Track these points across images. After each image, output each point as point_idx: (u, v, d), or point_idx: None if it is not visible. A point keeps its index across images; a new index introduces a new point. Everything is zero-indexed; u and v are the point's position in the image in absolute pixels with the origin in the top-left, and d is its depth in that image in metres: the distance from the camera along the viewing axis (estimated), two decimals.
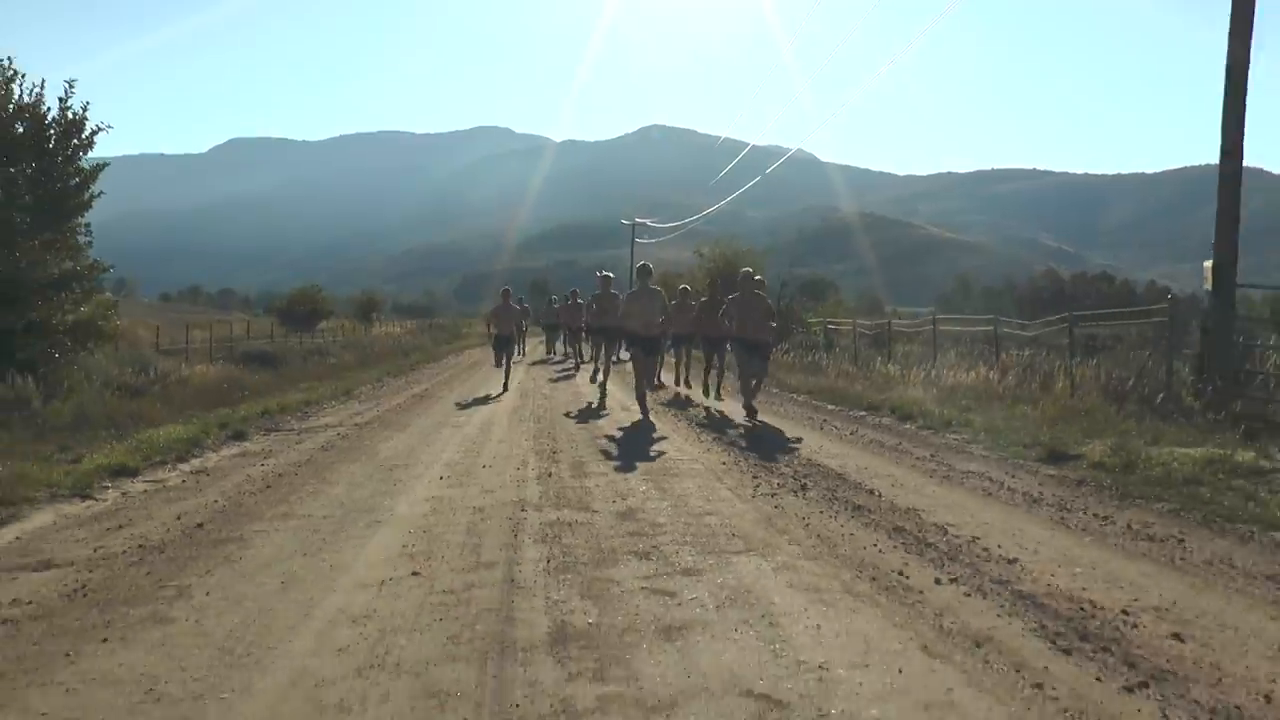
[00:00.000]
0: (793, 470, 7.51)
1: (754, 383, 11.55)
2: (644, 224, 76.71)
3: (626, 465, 7.77)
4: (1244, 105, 10.64)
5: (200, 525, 5.49)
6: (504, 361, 15.80)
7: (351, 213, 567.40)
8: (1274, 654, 3.36)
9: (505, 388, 15.09)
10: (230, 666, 3.21)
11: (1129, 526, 5.49)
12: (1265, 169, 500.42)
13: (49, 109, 12.27)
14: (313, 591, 4.11)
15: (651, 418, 11.19)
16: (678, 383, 15.15)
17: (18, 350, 11.80)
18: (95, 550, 4.90)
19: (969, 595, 4.06)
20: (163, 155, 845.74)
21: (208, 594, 4.09)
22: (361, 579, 4.31)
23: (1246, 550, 4.96)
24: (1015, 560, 4.67)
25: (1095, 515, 5.80)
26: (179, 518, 5.69)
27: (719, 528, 5.39)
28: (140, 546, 4.97)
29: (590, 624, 3.63)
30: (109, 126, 12.74)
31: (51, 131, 12.32)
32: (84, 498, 6.36)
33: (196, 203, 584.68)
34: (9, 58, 11.98)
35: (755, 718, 2.77)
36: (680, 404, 13.17)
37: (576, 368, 20.67)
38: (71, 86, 12.45)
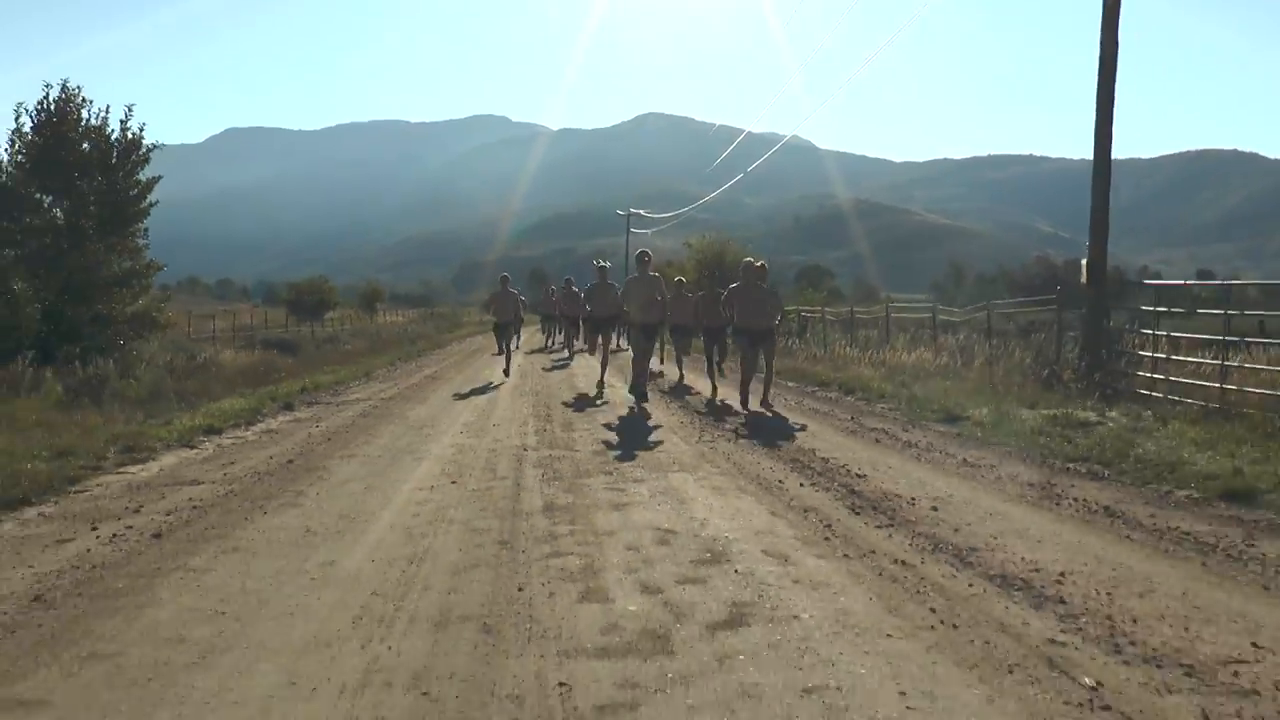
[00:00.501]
0: (734, 428, 9.61)
1: (756, 375, 11.55)
2: (639, 214, 78.15)
3: (606, 425, 9.87)
4: (1113, 97, 12.37)
5: (290, 461, 7.59)
6: (504, 347, 16.17)
7: (347, 202, 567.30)
8: (994, 518, 5.45)
9: (506, 373, 15.58)
10: (351, 521, 5.33)
11: (965, 460, 7.58)
12: (1261, 154, 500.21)
13: (112, 130, 14.30)
14: (388, 492, 6.22)
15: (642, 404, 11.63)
16: (679, 372, 15.34)
17: (86, 338, 13.87)
18: (224, 475, 6.99)
19: (818, 491, 6.19)
20: (158, 145, 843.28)
21: (317, 494, 6.20)
22: (417, 485, 6.43)
23: (1032, 470, 7.05)
24: (864, 476, 6.79)
25: (946, 453, 7.90)
26: (271, 458, 7.79)
27: (665, 459, 7.52)
28: (255, 472, 7.07)
29: (568, 503, 5.76)
30: (161, 145, 14.75)
31: (114, 150, 14.32)
32: (190, 447, 8.45)
33: (192, 193, 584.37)
34: (78, 86, 14.03)
35: (658, 539, 4.88)
36: (677, 391, 13.61)
37: (571, 357, 21.01)
38: (130, 110, 14.50)
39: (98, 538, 4.97)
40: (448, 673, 3.06)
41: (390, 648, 3.30)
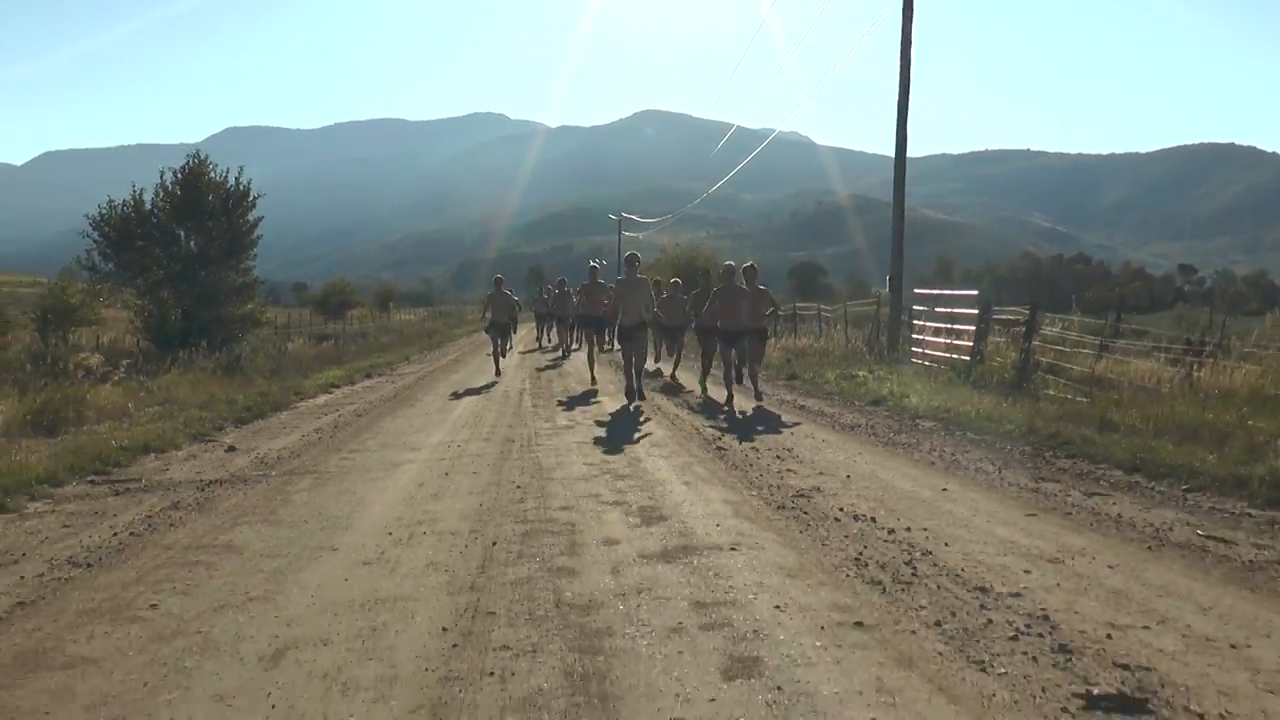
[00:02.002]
0: (678, 401, 14.98)
1: (737, 371, 12.17)
2: (630, 218, 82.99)
3: (585, 396, 15.38)
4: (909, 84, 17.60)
5: (394, 396, 13.02)
6: (499, 348, 16.84)
7: (346, 201, 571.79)
8: (778, 425, 10.92)
9: (498, 373, 16.23)
10: (440, 415, 10.74)
11: (782, 400, 13.07)
12: (1259, 147, 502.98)
13: (230, 185, 19.89)
14: (455, 407, 11.68)
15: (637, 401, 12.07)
16: (673, 371, 15.68)
17: (212, 333, 19.40)
18: (363, 402, 12.35)
19: (708, 419, 11.73)
20: (159, 145, 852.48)
21: (414, 409, 11.60)
22: (469, 405, 11.89)
23: (815, 400, 12.56)
24: (730, 409, 12.31)
25: (780, 399, 13.41)
26: (380, 397, 13.15)
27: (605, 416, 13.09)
28: (377, 401, 12.44)
29: (546, 433, 11.33)
30: (262, 195, 20.35)
31: (230, 199, 19.91)
32: (328, 393, 13.85)
33: None
34: (207, 155, 19.62)
35: (598, 467, 10.43)
36: (669, 390, 13.89)
37: (565, 356, 21.45)
38: (241, 170, 20.09)
39: (328, 419, 10.46)
40: (485, 466, 8.57)
41: (461, 452, 8.80)
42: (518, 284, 65.81)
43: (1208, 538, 4.71)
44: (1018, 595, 3.78)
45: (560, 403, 12.24)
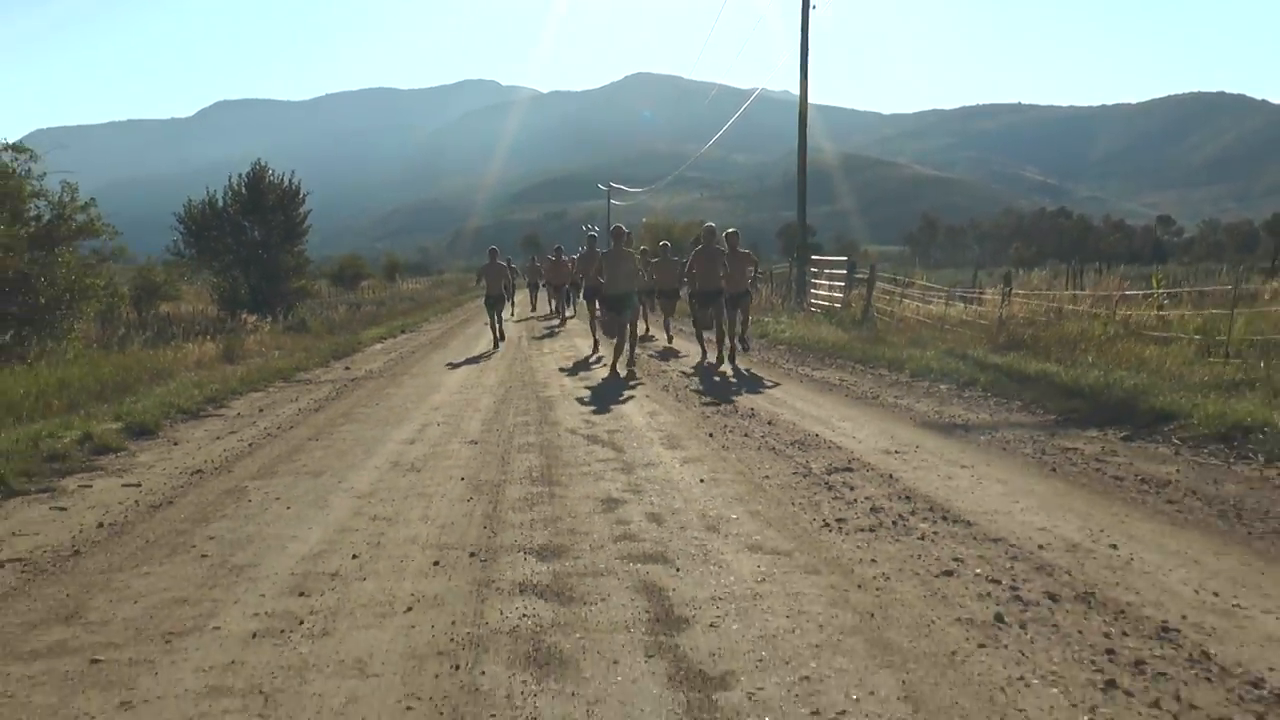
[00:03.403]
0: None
1: (711, 331, 12.68)
2: (619, 188, 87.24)
3: (575, 351, 20.48)
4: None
5: (431, 342, 18.08)
6: (495, 318, 16.85)
7: (340, 171, 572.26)
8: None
9: (497, 344, 16.34)
10: (466, 351, 16.00)
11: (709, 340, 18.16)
12: (1249, 95, 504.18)
13: (286, 185, 24.89)
14: (475, 346, 16.83)
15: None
16: (667, 335, 16.30)
17: (275, 303, 24.48)
18: (408, 347, 17.35)
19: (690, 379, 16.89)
20: (150, 120, 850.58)
21: (449, 350, 16.72)
22: (484, 347, 17.04)
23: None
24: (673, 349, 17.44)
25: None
26: (420, 344, 18.15)
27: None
28: (419, 346, 17.51)
29: (535, 354, 16.47)
30: (309, 192, 25.35)
31: (285, 196, 24.91)
32: (379, 344, 19.02)
33: (185, 166, 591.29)
34: (266, 162, 24.62)
35: (585, 422, 15.57)
36: (663, 355, 14.25)
37: (562, 323, 21.75)
38: (294, 173, 25.10)
39: (394, 355, 15.56)
40: (504, 368, 13.69)
41: (486, 365, 13.91)
42: (513, 251, 69.56)
43: (896, 397, 9.88)
44: (796, 425, 8.94)
45: (543, 347, 17.28)
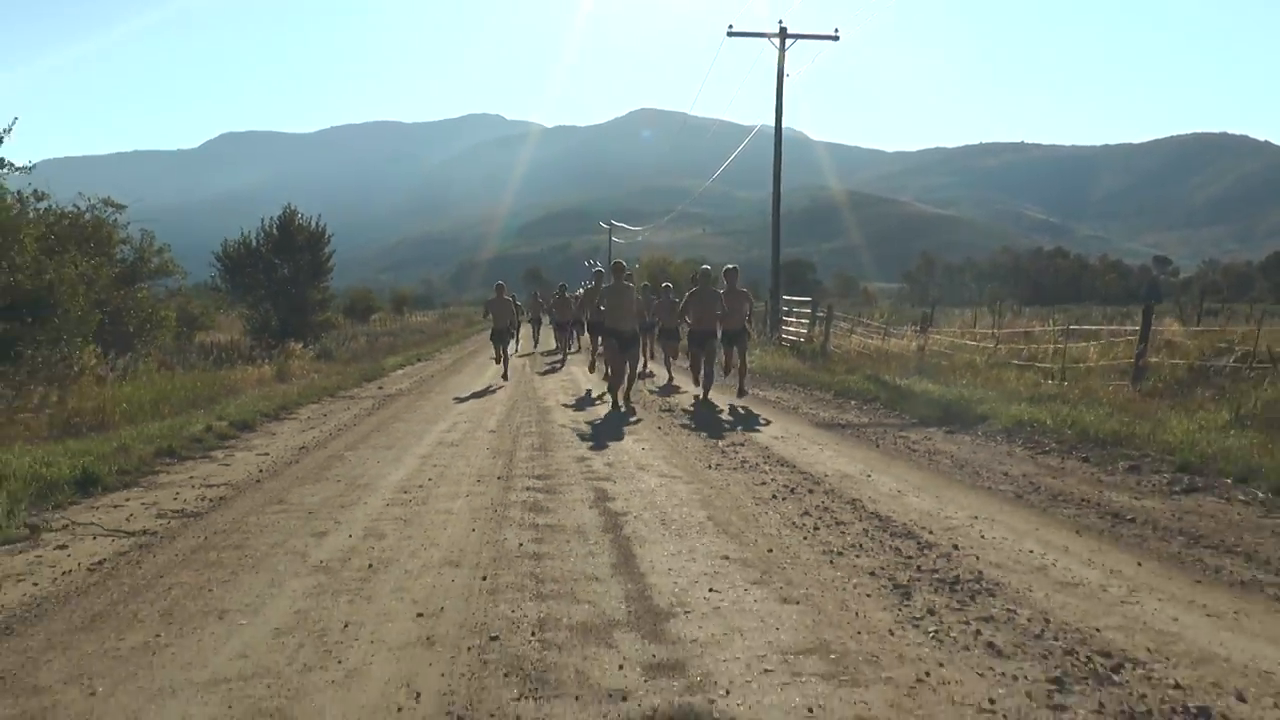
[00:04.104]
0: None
1: (706, 371, 12.57)
2: (620, 226, 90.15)
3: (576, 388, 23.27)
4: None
5: (447, 368, 20.92)
6: (501, 353, 17.52)
7: (344, 203, 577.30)
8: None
9: (505, 378, 17.01)
10: (478, 377, 18.80)
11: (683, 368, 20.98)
12: (1252, 136, 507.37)
13: (313, 227, 27.85)
14: (485, 373, 19.67)
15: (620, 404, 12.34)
16: (667, 373, 16.75)
17: (303, 334, 27.33)
18: (428, 373, 20.23)
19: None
20: (156, 151, 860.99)
21: (462, 376, 19.54)
22: (492, 376, 19.84)
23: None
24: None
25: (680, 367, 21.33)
26: (437, 370, 21.04)
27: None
28: (435, 373, 20.41)
29: (540, 384, 19.29)
30: (333, 234, 28.32)
31: (312, 238, 27.85)
32: (401, 370, 21.83)
33: (190, 198, 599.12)
34: (297, 207, 27.61)
35: (570, 420, 18.37)
36: (665, 390, 14.81)
37: (564, 359, 22.31)
38: (320, 216, 28.08)
39: (416, 379, 18.34)
40: (513, 390, 16.49)
41: (490, 402, 16.72)
42: (515, 284, 72.33)
43: (811, 408, 12.68)
44: (733, 430, 11.76)
45: (548, 368, 20.05)
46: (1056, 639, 3.36)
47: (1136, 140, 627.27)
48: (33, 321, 11.35)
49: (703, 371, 12.50)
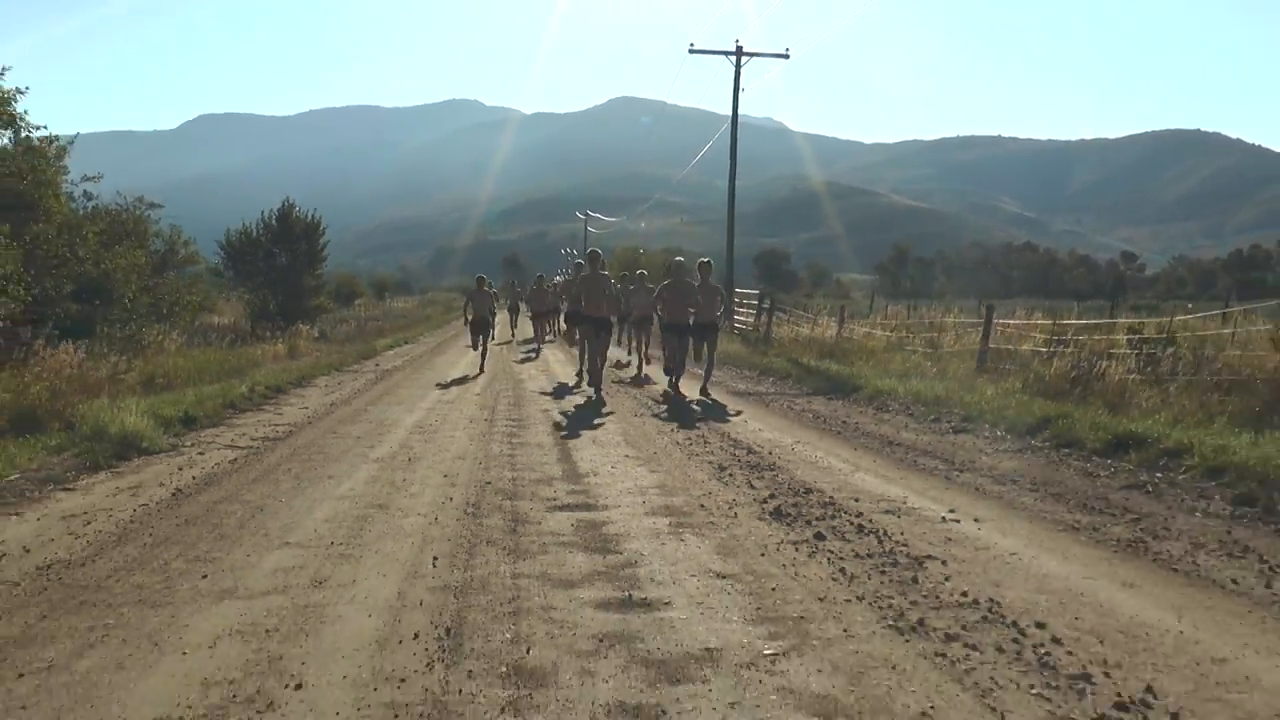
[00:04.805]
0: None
1: (678, 361, 12.55)
2: (596, 216, 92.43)
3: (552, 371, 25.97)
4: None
5: (435, 348, 23.65)
6: (480, 344, 17.82)
7: (322, 187, 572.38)
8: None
9: (482, 369, 17.07)
10: (460, 358, 21.47)
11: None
12: (1224, 133, 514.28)
13: (309, 219, 30.37)
14: (463, 356, 22.30)
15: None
16: (642, 362, 16.26)
17: (298, 318, 29.87)
18: (418, 353, 22.78)
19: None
20: (134, 132, 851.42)
21: (448, 356, 22.20)
22: (473, 356, 22.51)
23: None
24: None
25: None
26: (425, 351, 23.62)
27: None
28: (425, 353, 23.04)
29: (510, 370, 22.01)
30: (327, 225, 30.85)
31: (308, 229, 30.38)
32: (392, 349, 24.46)
33: (168, 179, 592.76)
34: (296, 201, 30.10)
35: (540, 387, 21.09)
36: (636, 381, 15.12)
37: (538, 351, 22.88)
38: (316, 210, 30.60)
39: (408, 357, 21.00)
40: (494, 368, 19.20)
41: (476, 377, 19.43)
42: (493, 271, 74.22)
43: (734, 381, 15.53)
44: (671, 410, 14.56)
45: (526, 354, 22.77)
46: (790, 486, 6.23)
47: (1112, 135, 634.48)
48: (100, 304, 13.93)
49: (675, 362, 12.55)
